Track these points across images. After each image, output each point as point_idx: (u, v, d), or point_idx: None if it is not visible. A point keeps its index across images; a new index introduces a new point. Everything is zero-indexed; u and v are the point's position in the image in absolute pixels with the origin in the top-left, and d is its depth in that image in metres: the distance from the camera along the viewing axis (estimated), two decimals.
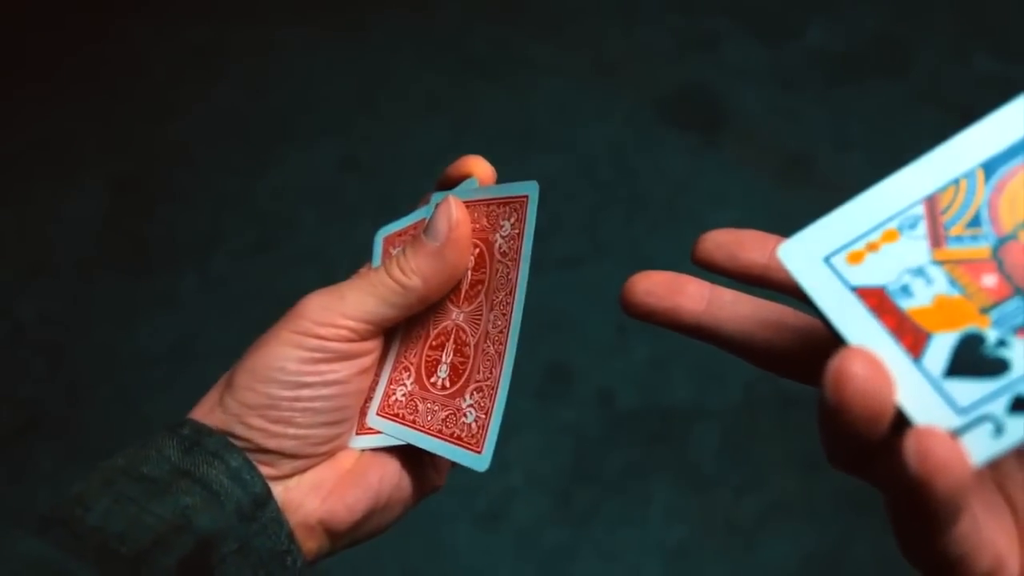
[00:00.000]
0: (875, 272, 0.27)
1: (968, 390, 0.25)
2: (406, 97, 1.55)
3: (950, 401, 0.25)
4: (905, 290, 0.26)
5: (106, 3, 1.74)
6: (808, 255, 0.28)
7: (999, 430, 0.24)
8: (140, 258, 1.41)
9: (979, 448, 0.24)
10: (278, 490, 0.35)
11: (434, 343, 0.37)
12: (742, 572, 1.08)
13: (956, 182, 0.27)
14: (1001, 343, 0.25)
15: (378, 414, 0.38)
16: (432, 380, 0.37)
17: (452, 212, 0.35)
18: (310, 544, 0.36)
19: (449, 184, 0.38)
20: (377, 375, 0.38)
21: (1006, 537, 0.27)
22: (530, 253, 0.35)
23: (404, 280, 0.35)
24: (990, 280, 0.26)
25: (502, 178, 0.37)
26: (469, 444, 0.35)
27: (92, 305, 1.37)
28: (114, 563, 0.31)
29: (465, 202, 0.36)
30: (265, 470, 0.35)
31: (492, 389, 0.35)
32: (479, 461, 0.34)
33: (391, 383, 0.38)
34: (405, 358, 0.38)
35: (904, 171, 0.28)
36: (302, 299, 0.36)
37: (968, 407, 0.24)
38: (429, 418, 0.36)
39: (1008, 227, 0.26)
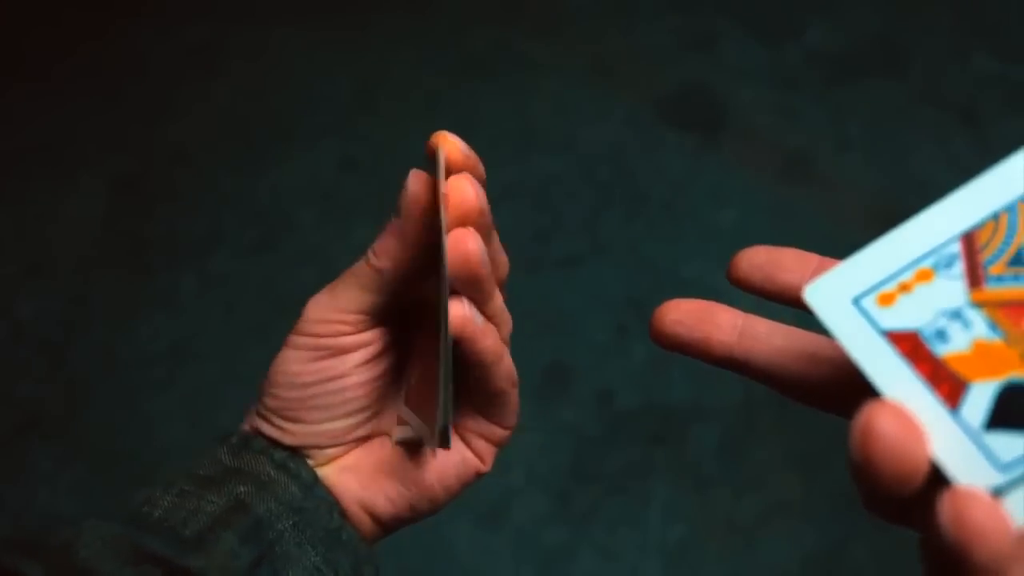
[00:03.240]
0: (908, 315, 0.25)
1: (1010, 445, 0.23)
2: (406, 97, 1.55)
3: (990, 456, 0.23)
4: (941, 335, 0.24)
5: (106, 3, 1.74)
6: (836, 296, 0.26)
7: None
8: (140, 258, 1.41)
9: (1022, 509, 0.22)
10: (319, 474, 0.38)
11: (434, 327, 0.37)
12: (742, 572, 1.08)
13: (995, 216, 0.25)
14: None
15: (405, 404, 0.38)
16: (434, 364, 0.37)
17: (411, 185, 0.34)
18: (360, 526, 0.38)
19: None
20: (402, 365, 0.39)
21: None
22: (445, 220, 0.33)
23: (375, 262, 0.35)
24: None
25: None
26: (433, 425, 0.35)
27: (92, 305, 1.37)
28: (180, 542, 0.34)
29: (435, 179, 0.35)
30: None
31: (436, 369, 0.34)
32: (432, 441, 0.35)
33: (412, 369, 0.38)
34: (422, 346, 0.38)
35: (939, 204, 0.26)
36: (308, 301, 0.37)
37: (1010, 463, 0.23)
38: (428, 405, 0.37)
39: None
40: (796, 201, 1.36)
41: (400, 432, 0.38)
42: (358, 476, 0.37)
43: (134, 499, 0.36)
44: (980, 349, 0.24)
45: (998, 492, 0.23)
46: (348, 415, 0.37)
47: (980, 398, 0.23)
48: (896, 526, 0.26)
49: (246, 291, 1.36)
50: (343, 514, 0.37)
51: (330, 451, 0.37)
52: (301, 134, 1.53)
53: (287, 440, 0.37)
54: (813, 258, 0.31)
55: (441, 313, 0.33)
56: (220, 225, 1.43)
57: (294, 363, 0.36)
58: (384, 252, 0.35)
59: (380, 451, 0.38)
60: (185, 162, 1.51)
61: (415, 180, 0.34)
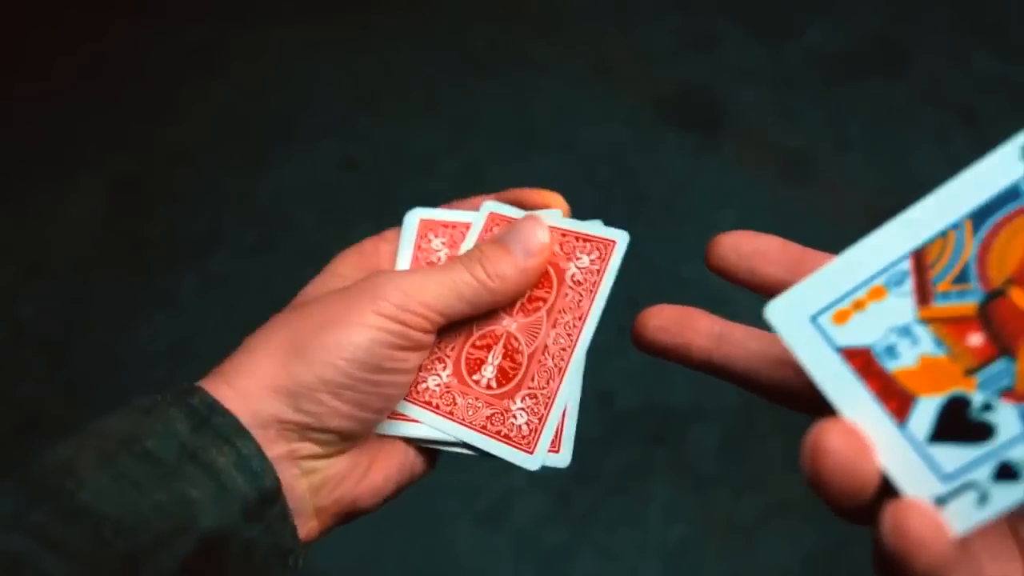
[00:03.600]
0: (861, 332, 0.26)
1: (952, 456, 0.24)
2: (406, 97, 1.55)
3: (934, 467, 0.24)
4: (891, 351, 0.25)
5: (106, 3, 1.74)
6: (795, 314, 0.27)
7: (983, 498, 0.23)
8: (140, 258, 1.41)
9: (962, 517, 0.23)
10: (320, 465, 0.35)
11: (478, 343, 0.38)
12: (742, 572, 1.08)
13: (944, 234, 0.25)
14: (986, 407, 0.23)
15: (407, 400, 0.38)
16: (475, 378, 0.38)
17: (544, 235, 0.37)
18: (329, 521, 0.36)
19: (524, 208, 0.41)
20: None
21: None
22: (609, 291, 0.38)
23: (489, 283, 0.36)
24: (976, 339, 0.24)
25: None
26: (519, 444, 0.37)
27: (92, 305, 1.37)
28: (104, 556, 0.28)
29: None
30: (311, 448, 0.34)
31: (548, 399, 0.38)
32: (530, 461, 0.37)
33: (421, 371, 0.39)
34: (439, 350, 0.39)
35: (893, 222, 0.26)
36: (374, 277, 0.35)
37: (952, 473, 0.23)
38: (471, 413, 0.38)
39: (996, 282, 0.24)
40: (796, 201, 1.36)
41: (412, 429, 0.38)
42: (357, 472, 0.36)
43: (56, 455, 0.29)
44: (926, 364, 0.25)
45: (941, 501, 0.23)
46: (386, 410, 0.36)
47: (926, 412, 0.24)
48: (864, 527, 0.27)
49: (246, 291, 1.36)
50: (295, 533, 0.33)
51: (347, 444, 0.35)
52: (301, 134, 1.53)
53: (332, 423, 0.33)
54: (794, 249, 0.32)
55: (579, 350, 0.39)
56: (220, 225, 1.43)
57: (377, 344, 0.34)
58: (500, 276, 0.36)
59: (372, 446, 0.38)
60: (185, 162, 1.51)
61: (549, 233, 0.37)
